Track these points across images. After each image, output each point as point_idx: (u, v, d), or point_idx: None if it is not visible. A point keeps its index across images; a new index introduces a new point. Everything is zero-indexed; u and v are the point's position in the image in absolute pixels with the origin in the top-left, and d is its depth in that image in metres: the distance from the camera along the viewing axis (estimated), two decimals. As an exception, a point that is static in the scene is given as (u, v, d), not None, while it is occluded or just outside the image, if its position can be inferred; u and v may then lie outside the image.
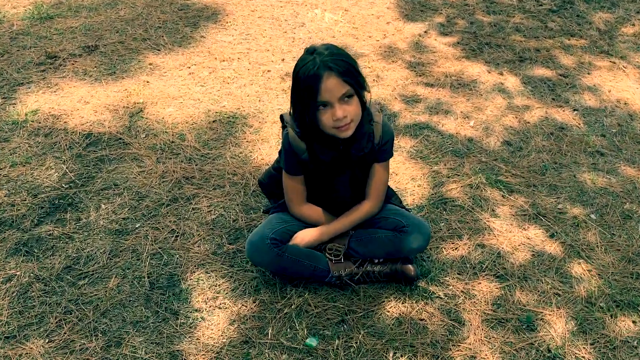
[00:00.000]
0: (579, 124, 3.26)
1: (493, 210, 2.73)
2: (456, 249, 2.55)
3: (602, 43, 3.99)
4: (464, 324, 2.24)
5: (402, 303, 2.31)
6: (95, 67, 3.68)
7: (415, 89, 3.53)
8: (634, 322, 2.27)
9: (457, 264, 2.48)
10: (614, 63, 3.78)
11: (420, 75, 3.65)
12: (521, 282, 2.41)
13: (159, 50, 3.86)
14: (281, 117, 2.30)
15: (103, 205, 2.72)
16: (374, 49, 3.89)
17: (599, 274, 2.44)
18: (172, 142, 3.10)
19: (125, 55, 3.80)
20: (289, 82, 3.42)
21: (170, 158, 3.00)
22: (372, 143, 2.26)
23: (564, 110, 3.36)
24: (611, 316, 2.28)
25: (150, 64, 3.71)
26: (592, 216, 2.71)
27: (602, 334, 2.22)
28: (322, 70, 1.99)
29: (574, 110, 3.36)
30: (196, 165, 2.96)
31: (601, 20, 4.25)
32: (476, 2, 4.49)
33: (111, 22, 4.18)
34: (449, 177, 2.90)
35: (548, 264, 2.48)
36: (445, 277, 2.43)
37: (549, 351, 2.16)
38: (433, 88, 3.54)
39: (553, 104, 3.41)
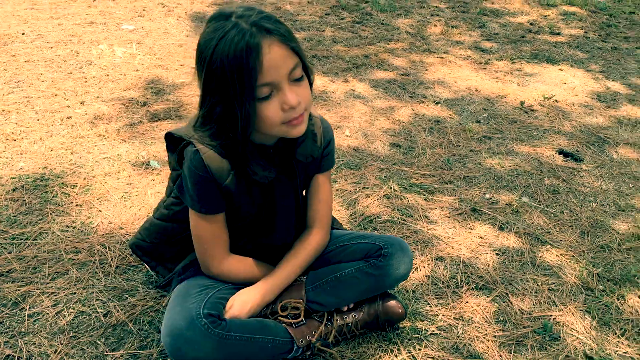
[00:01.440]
0: (451, 115, 2.98)
1: (427, 217, 2.23)
2: (416, 269, 1.98)
3: (419, 43, 3.87)
4: (481, 357, 1.67)
5: (397, 356, 1.64)
6: None
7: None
8: (639, 296, 1.94)
9: (428, 287, 1.90)
10: (443, 58, 3.66)
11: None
12: (508, 288, 1.92)
13: None
14: (169, 135, 1.50)
15: None
16: (194, 77, 3.19)
17: (573, 256, 2.09)
18: (-45, 229, 2.00)
19: None
20: (102, 126, 2.56)
21: (-39, 253, 1.91)
22: (317, 147, 1.60)
23: (427, 105, 3.06)
24: (618, 298, 1.92)
25: None
26: (524, 199, 2.38)
27: (625, 320, 1.84)
28: (257, 37, 1.28)
29: (436, 103, 3.09)
30: (10, 253, 1.92)
31: (405, 25, 4.17)
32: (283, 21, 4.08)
33: None
34: (357, 193, 2.33)
35: (519, 260, 2.05)
36: (425, 306, 1.83)
37: (590, 358, 1.69)
38: (284, 105, 2.97)
39: (414, 101, 3.09)
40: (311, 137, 1.57)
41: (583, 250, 2.12)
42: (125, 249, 1.97)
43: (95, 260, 1.92)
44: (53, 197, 2.19)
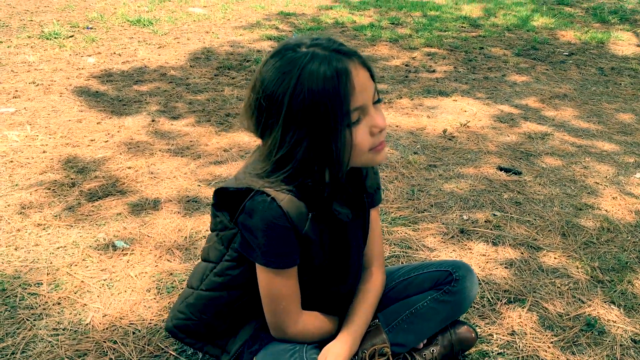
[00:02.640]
0: (389, 151, 3.04)
1: (425, 245, 2.22)
2: (446, 297, 1.94)
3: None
4: (555, 364, 1.67)
5: (485, 381, 1.59)
6: None
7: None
8: (641, 278, 2.09)
9: (468, 311, 1.88)
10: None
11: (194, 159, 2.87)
12: (535, 295, 1.97)
13: None
14: (223, 190, 1.34)
15: None
16: (113, 150, 2.90)
17: (570, 256, 2.20)
18: None
19: None
20: (36, 214, 2.28)
21: None
22: (377, 176, 1.53)
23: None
24: (626, 284, 2.05)
25: None
26: (497, 213, 2.47)
27: (644, 300, 1.97)
28: (344, 61, 1.21)
29: (370, 142, 3.13)
30: (-2, 375, 1.55)
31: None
32: (174, 88, 3.89)
33: None
34: (348, 236, 2.26)
35: (528, 268, 2.11)
36: (476, 328, 1.79)
37: (639, 342, 1.78)
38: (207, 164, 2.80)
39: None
40: (371, 168, 1.50)
41: (574, 249, 2.24)
42: (139, 338, 1.69)
43: (111, 359, 1.62)
44: (20, 300, 1.83)
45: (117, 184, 2.57)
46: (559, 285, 2.02)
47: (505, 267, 2.12)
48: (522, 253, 2.20)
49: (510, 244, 2.25)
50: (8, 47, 4.81)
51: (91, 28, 5.66)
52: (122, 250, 2.10)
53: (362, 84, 1.22)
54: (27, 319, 1.75)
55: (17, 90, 3.71)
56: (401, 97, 3.89)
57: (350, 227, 1.44)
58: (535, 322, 1.84)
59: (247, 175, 1.33)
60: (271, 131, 1.25)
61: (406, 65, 4.68)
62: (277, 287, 1.35)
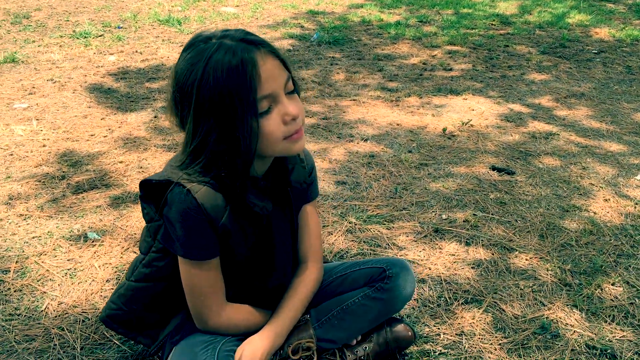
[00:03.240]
0: (383, 149, 3.00)
1: (395, 244, 2.19)
2: (402, 296, 1.91)
3: (329, 90, 3.91)
4: (498, 367, 1.62)
5: (418, 382, 1.56)
6: None
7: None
8: (612, 284, 2.00)
9: (421, 310, 1.84)
10: (356, 100, 3.73)
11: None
12: (495, 297, 1.91)
13: None
14: (146, 182, 1.36)
15: None
16: (109, 145, 2.99)
17: (542, 257, 2.13)
18: None
19: None
20: (21, 206, 2.35)
21: None
22: (306, 171, 1.52)
23: (357, 143, 3.07)
24: (595, 288, 1.96)
25: None
26: (478, 213, 2.41)
27: (610, 307, 1.88)
28: (250, 51, 1.21)
29: (365, 140, 3.11)
30: (-54, 355, 1.62)
31: (309, 75, 4.22)
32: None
33: None
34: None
35: (495, 269, 2.06)
36: (424, 328, 1.77)
37: (593, 347, 1.70)
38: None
39: (343, 141, 3.09)
40: (299, 162, 1.49)
41: (548, 251, 2.16)
42: (86, 327, 1.74)
43: (55, 345, 1.67)
44: (-16, 286, 1.91)
45: (104, 177, 2.64)
46: (522, 287, 1.96)
47: (472, 267, 2.06)
48: (492, 254, 2.14)
49: (483, 245, 2.19)
50: (38, 46, 5.01)
51: (121, 27, 5.83)
52: (92, 242, 2.16)
53: (270, 73, 1.22)
54: (-13, 304, 1.83)
55: (34, 87, 3.86)
56: (410, 96, 3.84)
57: (274, 221, 1.44)
58: (487, 324, 1.79)
59: (169, 168, 1.35)
60: (185, 123, 1.27)
61: (423, 64, 4.62)
62: (197, 278, 1.37)
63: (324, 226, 2.29)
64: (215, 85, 1.19)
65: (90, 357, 1.64)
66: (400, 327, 1.61)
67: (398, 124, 3.35)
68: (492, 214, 2.41)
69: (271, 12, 6.61)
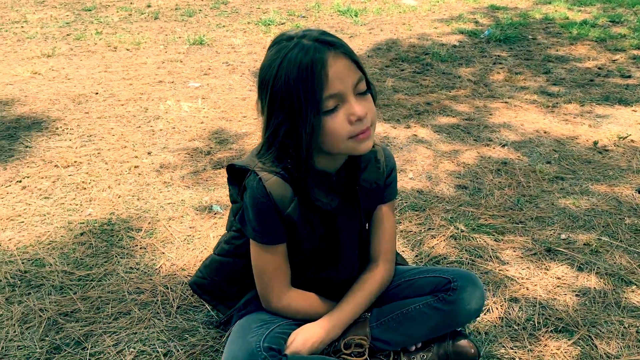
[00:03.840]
0: (519, 157, 2.87)
1: (498, 258, 2.11)
2: (488, 310, 1.85)
3: (482, 90, 3.81)
4: (567, 404, 1.51)
5: (473, 401, 1.51)
6: None
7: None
8: None
9: (502, 329, 1.77)
10: (507, 103, 3.58)
11: (321, 144, 3.05)
12: (591, 330, 1.77)
13: (-33, 170, 2.76)
14: (231, 167, 1.49)
15: None
16: (257, 126, 3.24)
17: (663, 296, 1.91)
18: (25, 272, 2.03)
19: None
20: (168, 174, 2.60)
21: (29, 293, 1.93)
22: (381, 172, 1.55)
23: (493, 148, 2.97)
24: None
25: (-42, 188, 2.60)
26: (604, 238, 2.22)
27: None
28: (322, 51, 1.28)
29: (503, 145, 2.99)
30: (75, 294, 1.93)
31: (467, 73, 4.13)
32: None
33: None
34: (423, 234, 2.24)
35: (602, 301, 1.89)
36: (500, 349, 1.70)
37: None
38: (346, 151, 2.94)
39: (479, 144, 3.01)
40: (374, 162, 1.53)
41: (674, 291, 1.94)
42: (187, 289, 1.95)
43: (158, 300, 1.90)
44: (118, 240, 2.21)
45: (242, 156, 2.87)
46: (627, 326, 1.78)
47: (575, 295, 1.92)
48: (605, 284, 1.97)
49: (597, 273, 2.03)
50: (226, 30, 5.50)
51: (304, 16, 6.15)
52: (215, 214, 2.38)
53: (339, 73, 1.29)
54: (116, 256, 2.12)
55: (209, 68, 4.27)
56: (570, 102, 3.58)
57: (341, 218, 1.50)
58: (572, 357, 1.67)
59: (250, 155, 1.48)
60: (263, 114, 1.39)
61: (598, 68, 4.25)
62: (263, 261, 1.48)
63: (429, 228, 2.27)
64: (286, 82, 1.28)
65: (182, 317, 1.84)
66: (463, 342, 1.58)
67: (545, 132, 3.16)
68: (620, 241, 2.20)
69: (450, 6, 6.50)
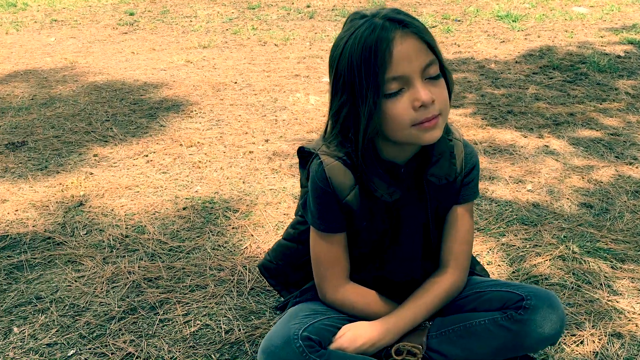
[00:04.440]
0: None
1: (609, 287, 1.85)
2: (581, 342, 1.61)
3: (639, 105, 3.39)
4: None
5: None
6: (21, 163, 2.79)
7: (440, 161, 2.76)
8: None
9: (594, 366, 1.54)
10: (666, 120, 3.15)
11: (441, 147, 2.90)
12: None
13: (106, 141, 3.02)
14: (301, 149, 1.44)
15: (16, 329, 1.71)
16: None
17: None
18: (126, 236, 2.16)
19: (62, 149, 2.94)
20: (278, 162, 2.62)
21: (124, 256, 2.05)
22: (455, 168, 1.41)
23: (637, 167, 2.61)
24: None
25: (95, 156, 2.85)
26: None
27: None
28: (389, 30, 1.19)
29: (649, 166, 2.63)
30: (163, 262, 2.01)
31: (626, 85, 3.71)
32: (479, 79, 3.91)
33: (45, 118, 3.36)
34: (527, 250, 2.03)
35: None
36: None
37: None
38: (464, 155, 2.76)
39: (620, 162, 2.67)
40: (448, 157, 1.39)
41: None
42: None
43: (234, 279, 1.92)
44: (215, 218, 2.27)
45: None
46: None
47: (698, 341, 1.62)
48: None
49: None
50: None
51: (459, 20, 5.95)
52: (312, 204, 2.36)
53: (405, 54, 1.19)
54: (208, 232, 2.18)
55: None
56: None
57: (405, 212, 1.39)
58: (673, 412, 1.40)
59: (319, 138, 1.43)
60: (330, 93, 1.34)
61: None
62: (321, 249, 1.43)
63: (535, 245, 2.05)
64: (349, 61, 1.22)
65: (253, 298, 1.84)
66: (533, 370, 1.39)
67: None
68: None
69: (626, 15, 5.90)
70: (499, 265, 1.96)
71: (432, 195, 1.40)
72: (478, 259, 1.99)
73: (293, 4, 7.00)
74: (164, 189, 2.50)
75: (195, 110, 3.42)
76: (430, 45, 1.23)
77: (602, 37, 4.98)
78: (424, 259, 1.47)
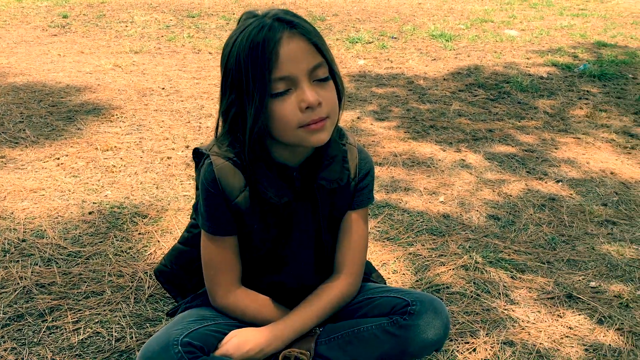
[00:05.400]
0: (571, 195, 2.59)
1: (507, 296, 1.88)
2: (474, 350, 1.64)
3: (556, 123, 3.51)
4: None
5: None
6: None
7: (359, 171, 2.77)
8: None
9: (483, 373, 1.55)
10: (579, 139, 3.26)
11: (361, 158, 2.92)
12: (590, 392, 1.51)
13: (16, 143, 2.90)
14: (196, 150, 1.41)
15: None
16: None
17: (692, 368, 1.61)
18: (23, 240, 2.07)
19: (-33, 149, 2.81)
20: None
21: (18, 261, 1.96)
22: (347, 173, 1.41)
23: (546, 182, 2.70)
24: None
25: (1, 157, 2.73)
26: (641, 293, 1.92)
27: None
28: (277, 30, 1.18)
29: (558, 181, 2.71)
30: (59, 267, 1.93)
31: (545, 105, 3.83)
32: (407, 94, 3.97)
33: (-45, 118, 3.21)
34: (432, 259, 2.05)
35: (611, 357, 1.62)
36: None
37: None
38: (383, 167, 2.79)
39: (531, 177, 2.75)
40: (341, 161, 1.38)
41: None
42: (165, 279, 1.89)
43: (133, 286, 1.86)
44: (122, 224, 2.21)
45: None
46: (635, 394, 1.50)
47: (585, 349, 1.66)
48: (623, 343, 1.68)
49: (618, 329, 1.74)
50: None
51: (395, 38, 6.05)
52: (224, 211, 2.32)
53: (292, 55, 1.18)
54: (113, 238, 2.11)
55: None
56: (653, 145, 3.21)
57: (296, 216, 1.38)
58: (553, 418, 1.43)
59: (213, 139, 1.40)
60: (220, 92, 1.31)
61: (700, 114, 3.79)
62: (211, 253, 1.39)
63: (441, 255, 2.08)
64: (237, 59, 1.20)
65: (151, 305, 1.78)
66: (419, 377, 1.39)
67: (612, 173, 2.83)
68: (660, 299, 1.89)
69: (553, 39, 6.14)
70: (403, 274, 1.97)
71: (323, 200, 1.39)
72: (385, 268, 2.01)
73: (234, 14, 6.97)
74: (71, 193, 2.42)
75: (116, 115, 3.33)
76: (319, 48, 1.23)
77: (528, 58, 5.16)
78: (317, 265, 1.46)
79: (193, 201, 2.35)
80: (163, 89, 3.86)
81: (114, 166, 2.67)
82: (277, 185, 1.32)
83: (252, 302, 1.43)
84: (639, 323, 1.77)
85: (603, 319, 1.79)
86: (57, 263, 1.95)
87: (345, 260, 1.46)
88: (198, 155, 1.41)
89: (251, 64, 1.18)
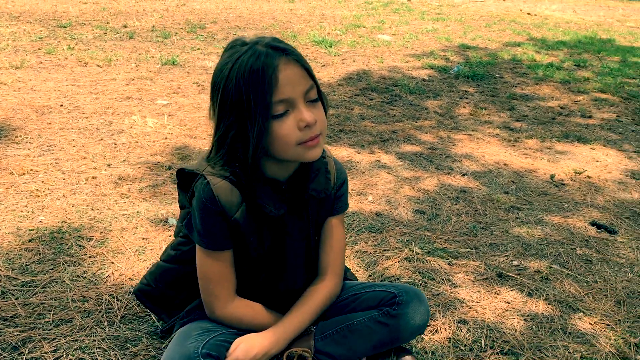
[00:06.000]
0: (478, 186, 2.91)
1: (450, 280, 2.12)
2: (436, 331, 1.85)
3: (447, 122, 3.87)
4: None
5: (414, 418, 1.50)
6: None
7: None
8: (682, 368, 1.76)
9: (449, 350, 1.76)
10: (470, 135, 3.64)
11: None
12: (536, 354, 1.77)
13: None
14: (180, 171, 1.48)
15: None
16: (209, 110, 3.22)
17: (608, 325, 1.93)
18: (-33, 275, 1.97)
19: None
20: (126, 186, 2.58)
21: (-31, 297, 1.87)
22: (330, 183, 1.55)
23: (454, 176, 3.00)
24: (659, 367, 1.75)
25: None
26: (555, 266, 2.25)
27: (668, 391, 1.66)
28: (274, 57, 1.30)
29: (463, 175, 3.03)
30: (17, 299, 1.87)
31: (434, 105, 4.20)
32: (308, 101, 4.15)
33: None
34: (378, 255, 2.24)
35: (549, 326, 1.91)
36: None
37: None
38: (308, 172, 2.94)
39: (440, 172, 3.05)
40: (324, 172, 1.53)
41: (619, 320, 1.96)
42: (133, 299, 1.90)
43: (102, 309, 1.85)
44: (67, 248, 2.17)
45: (203, 173, 2.86)
46: (572, 351, 1.79)
47: (523, 319, 1.93)
48: (553, 310, 1.99)
49: (546, 299, 2.04)
50: (201, 53, 5.53)
51: (278, 44, 6.20)
52: (170, 227, 2.35)
53: (289, 79, 1.30)
54: (63, 264, 2.07)
55: (179, 88, 4.28)
56: (531, 138, 3.66)
57: (289, 227, 1.49)
58: (515, 379, 1.67)
59: (200, 159, 1.47)
60: (213, 117, 1.39)
61: (561, 108, 4.37)
62: (208, 267, 1.46)
63: (384, 250, 2.28)
64: (237, 85, 1.29)
65: (126, 326, 1.79)
66: (407, 358, 1.57)
67: (505, 164, 3.21)
68: (570, 270, 2.23)
69: (423, 43, 6.64)
70: (357, 270, 2.14)
71: (312, 210, 1.52)
72: (336, 267, 2.16)
73: (108, 23, 6.75)
74: (0, 221, 2.31)
75: (20, 136, 3.18)
76: (309, 72, 1.36)
77: (407, 62, 5.56)
78: (306, 268, 1.58)
79: (136, 219, 2.37)
80: (61, 105, 3.72)
81: (38, 190, 2.58)
82: (274, 199, 1.43)
83: (249, 311, 1.53)
84: (561, 292, 2.09)
85: (531, 292, 2.08)
86: (14, 294, 1.89)
87: (330, 262, 1.60)
88: (184, 175, 1.48)
89: (252, 90, 1.29)
